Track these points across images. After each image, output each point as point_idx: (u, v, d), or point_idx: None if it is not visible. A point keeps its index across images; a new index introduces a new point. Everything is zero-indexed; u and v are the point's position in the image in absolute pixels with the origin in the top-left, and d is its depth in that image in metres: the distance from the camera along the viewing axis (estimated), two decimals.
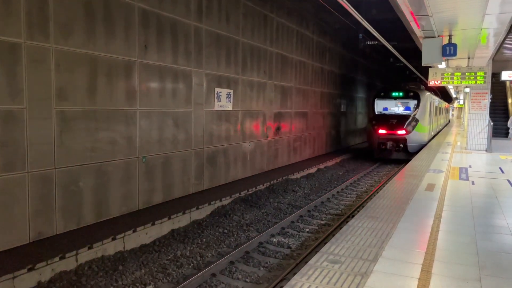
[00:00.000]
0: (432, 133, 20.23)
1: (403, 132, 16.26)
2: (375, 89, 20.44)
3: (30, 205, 5.74)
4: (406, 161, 14.81)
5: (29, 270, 4.94)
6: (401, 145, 16.42)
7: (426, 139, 17.46)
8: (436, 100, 22.36)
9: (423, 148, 15.66)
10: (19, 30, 5.48)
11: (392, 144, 16.51)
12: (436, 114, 21.83)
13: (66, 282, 5.14)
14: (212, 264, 5.86)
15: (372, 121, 17.21)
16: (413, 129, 16.39)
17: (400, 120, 16.48)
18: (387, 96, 17.49)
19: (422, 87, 19.56)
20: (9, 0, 5.33)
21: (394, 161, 17.09)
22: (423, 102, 17.14)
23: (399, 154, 16.73)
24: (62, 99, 6.08)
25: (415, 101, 17.05)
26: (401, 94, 17.34)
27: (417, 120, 16.63)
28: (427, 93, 18.16)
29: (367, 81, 24.62)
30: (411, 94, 17.29)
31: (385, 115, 17.03)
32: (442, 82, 12.51)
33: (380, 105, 17.54)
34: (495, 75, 16.58)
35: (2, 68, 5.32)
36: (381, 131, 16.54)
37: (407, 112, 16.99)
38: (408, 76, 34.31)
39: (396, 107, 17.50)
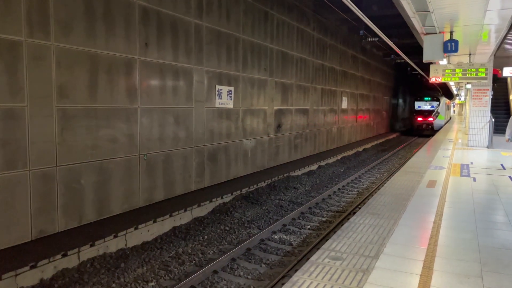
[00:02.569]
0: (445, 120, 33.00)
1: (431, 119, 29.87)
2: (414, 96, 33.17)
3: (32, 203, 5.75)
4: (431, 135, 25.32)
5: (32, 267, 4.96)
6: (430, 126, 29.96)
7: (443, 123, 30.86)
8: (447, 101, 35.43)
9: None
10: (20, 28, 5.47)
11: (425, 126, 30.24)
12: (446, 109, 34.87)
13: (68, 279, 5.16)
14: (214, 261, 5.87)
15: (413, 113, 31.36)
16: (436, 117, 29.88)
17: (429, 113, 30.06)
18: (421, 99, 30.91)
19: (440, 93, 33.05)
20: None
21: (424, 135, 29.98)
22: (441, 103, 30.53)
23: (428, 131, 29.77)
24: (63, 96, 6.08)
25: (437, 102, 30.32)
26: (429, 98, 30.60)
27: (438, 113, 30.09)
28: (443, 98, 31.95)
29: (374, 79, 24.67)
30: (435, 98, 30.56)
31: (421, 110, 30.60)
32: (443, 79, 12.48)
33: (417, 104, 31.01)
34: (496, 81, 16.73)
35: (3, 66, 5.32)
36: (419, 118, 30.47)
37: (432, 108, 30.20)
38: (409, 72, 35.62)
39: (426, 106, 30.59)
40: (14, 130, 5.50)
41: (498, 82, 17.45)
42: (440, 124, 29.87)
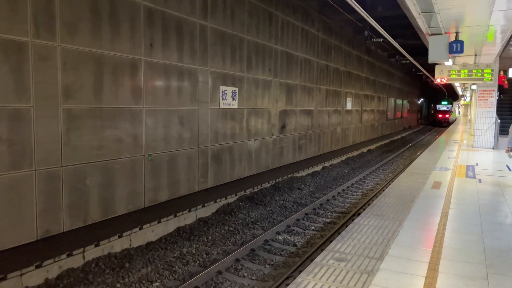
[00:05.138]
0: (456, 116, 48.96)
1: (447, 115, 42.91)
2: (435, 100, 47.53)
3: (37, 203, 5.78)
4: (447, 126, 37.20)
5: (37, 267, 4.99)
6: (447, 121, 42.40)
7: (454, 118, 45.68)
8: (456, 103, 51.34)
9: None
10: (26, 29, 5.51)
11: (444, 120, 42.84)
12: (455, 109, 50.71)
13: (73, 279, 5.18)
14: (218, 261, 5.88)
15: (435, 112, 45.04)
16: (450, 115, 43.15)
17: (446, 111, 43.26)
18: (440, 103, 43.95)
19: (451, 99, 45.85)
20: None
21: (443, 126, 41.66)
22: (454, 105, 45.38)
23: (445, 124, 42.00)
24: (69, 97, 6.12)
25: (451, 105, 43.60)
26: (446, 102, 43.50)
27: (452, 111, 43.99)
28: (454, 102, 47.49)
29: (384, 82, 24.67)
30: (449, 102, 43.61)
31: (441, 109, 43.75)
32: (449, 79, 12.41)
33: (438, 106, 44.20)
34: (502, 91, 16.72)
35: (9, 66, 5.35)
36: (440, 115, 43.56)
37: (448, 109, 43.40)
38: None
39: (444, 107, 43.59)
40: (20, 130, 5.53)
41: (504, 93, 17.36)
42: (452, 119, 44.69)
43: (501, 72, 15.69)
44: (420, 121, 48.20)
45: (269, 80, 11.86)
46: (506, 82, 16.79)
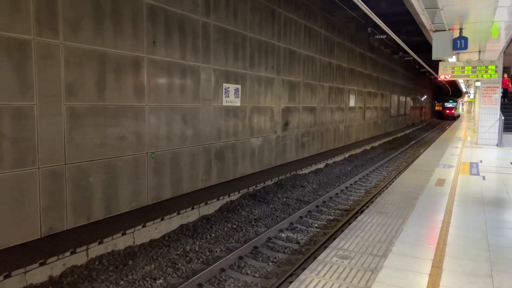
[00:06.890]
0: (459, 113, 58.94)
1: (453, 111, 54.17)
2: (444, 98, 59.09)
3: (41, 201, 5.80)
4: (453, 120, 48.28)
5: (41, 264, 5.01)
6: (453, 115, 53.33)
7: (459, 114, 56.96)
8: (459, 100, 60.88)
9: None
10: (29, 27, 5.51)
11: (450, 115, 53.52)
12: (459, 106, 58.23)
13: (77, 276, 5.20)
14: (221, 259, 5.88)
15: (444, 108, 56.04)
16: (455, 111, 55.00)
17: (451, 108, 54.65)
18: (448, 101, 55.45)
19: (456, 99, 56.89)
20: None
21: (449, 119, 51.80)
22: (458, 103, 59.56)
23: (451, 118, 52.12)
24: (72, 95, 6.12)
25: (456, 103, 55.76)
26: (452, 101, 55.11)
27: (457, 108, 56.81)
28: (458, 99, 60.33)
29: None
30: (455, 101, 55.76)
31: (448, 106, 54.97)
32: (453, 76, 12.33)
33: (446, 104, 55.44)
34: (507, 95, 16.63)
35: (12, 64, 5.36)
36: (447, 111, 54.61)
37: (454, 106, 54.79)
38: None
39: (450, 105, 54.72)
40: (23, 128, 5.54)
41: (509, 97, 17.27)
42: (457, 114, 54.80)
43: (505, 75, 15.59)
44: (431, 116, 59.49)
45: (272, 78, 11.84)
46: (510, 86, 16.70)
